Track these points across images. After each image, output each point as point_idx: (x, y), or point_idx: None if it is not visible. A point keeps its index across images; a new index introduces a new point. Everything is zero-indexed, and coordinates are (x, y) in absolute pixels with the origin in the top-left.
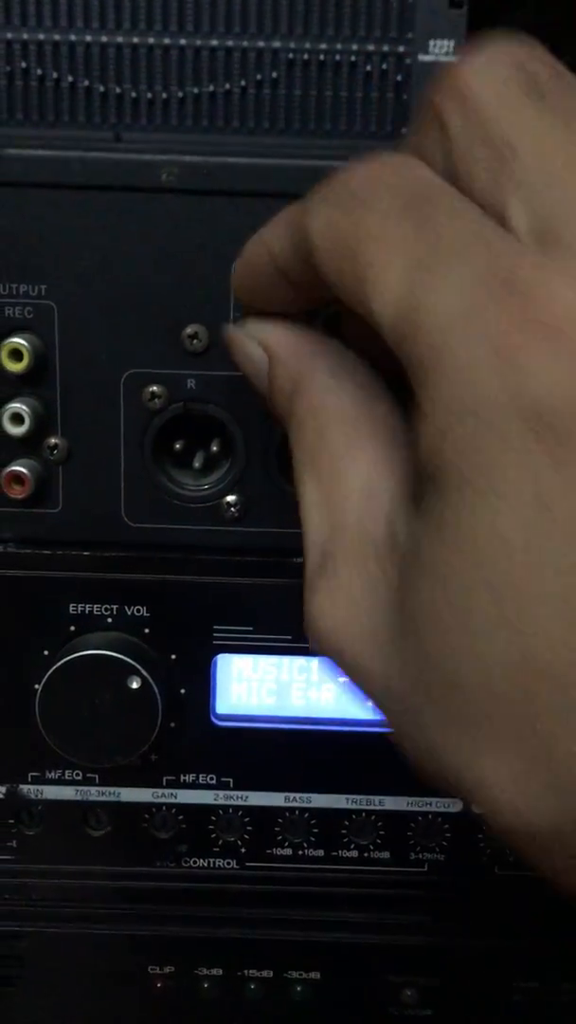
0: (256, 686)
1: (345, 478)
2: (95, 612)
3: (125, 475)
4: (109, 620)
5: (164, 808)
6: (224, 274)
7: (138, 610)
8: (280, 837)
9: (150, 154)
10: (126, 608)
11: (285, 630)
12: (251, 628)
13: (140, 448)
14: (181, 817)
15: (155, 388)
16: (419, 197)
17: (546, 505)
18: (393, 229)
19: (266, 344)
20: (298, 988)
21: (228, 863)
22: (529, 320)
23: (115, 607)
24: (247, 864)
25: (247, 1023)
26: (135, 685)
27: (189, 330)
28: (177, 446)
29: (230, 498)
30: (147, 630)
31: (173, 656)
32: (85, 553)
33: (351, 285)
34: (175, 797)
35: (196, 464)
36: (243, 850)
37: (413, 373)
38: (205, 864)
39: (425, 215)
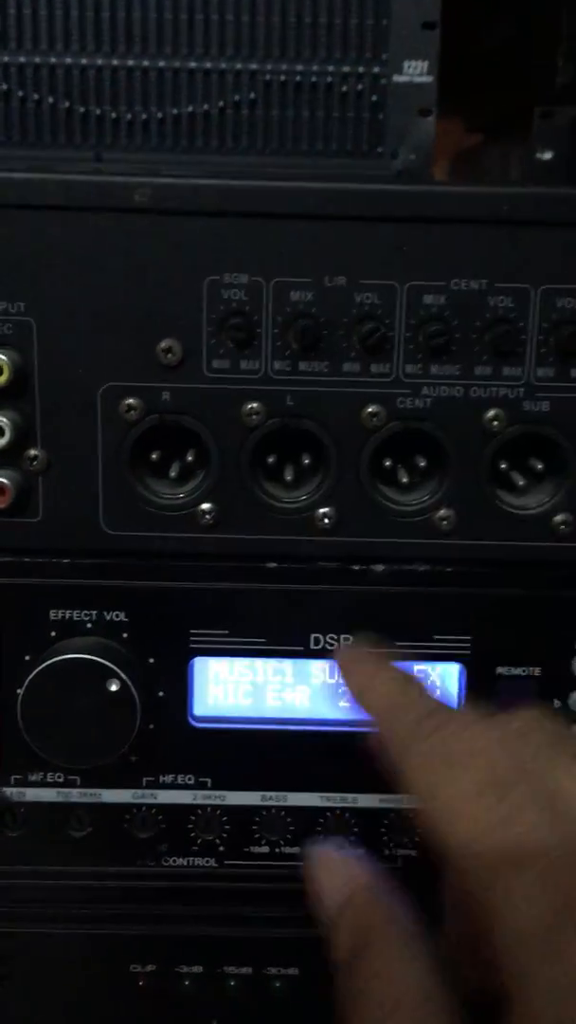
0: (232, 688)
1: None
2: (75, 618)
3: (103, 485)
4: (89, 625)
5: (144, 808)
6: (196, 290)
7: (117, 615)
8: (257, 835)
9: (126, 175)
10: (105, 613)
11: (260, 633)
12: (227, 632)
13: (117, 459)
14: (161, 817)
15: (131, 401)
16: None
17: None
18: None
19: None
20: (277, 984)
21: (207, 862)
22: None
23: (94, 612)
24: (225, 862)
25: (228, 1019)
26: (114, 688)
27: (163, 344)
28: (153, 456)
29: (205, 506)
30: (125, 635)
31: (151, 660)
32: (65, 561)
33: None
34: (155, 798)
35: (172, 473)
36: (221, 849)
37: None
38: (184, 863)
39: None
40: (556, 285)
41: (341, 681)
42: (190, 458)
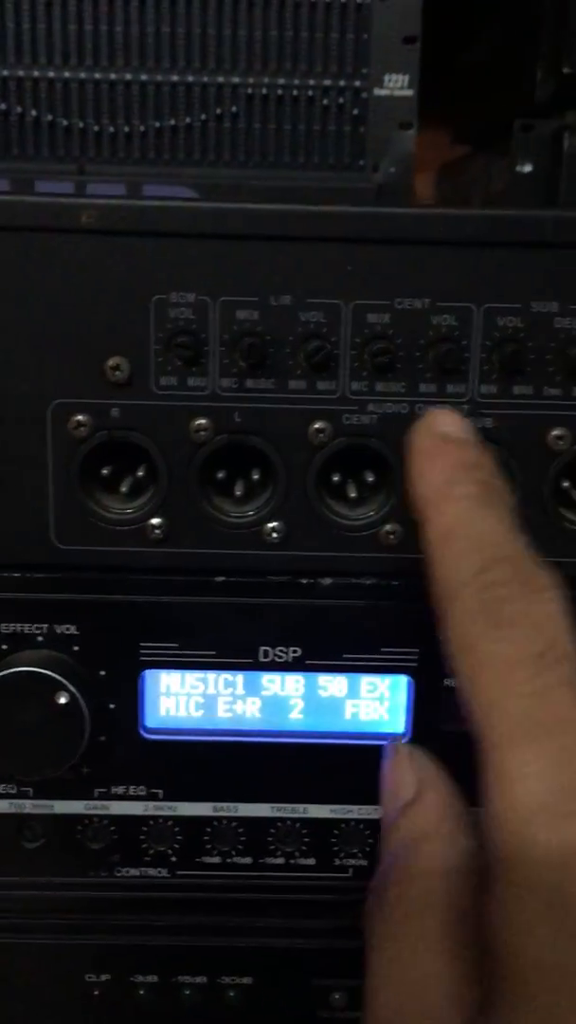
0: (183, 700)
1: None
2: (26, 631)
3: (54, 500)
4: (39, 639)
5: (96, 819)
6: (143, 309)
7: (67, 628)
8: (209, 846)
9: (72, 197)
10: (55, 627)
11: (209, 646)
12: (177, 645)
13: (67, 474)
14: (113, 828)
15: (80, 417)
16: None
17: None
18: None
19: (422, 783)
20: (231, 993)
21: (159, 872)
22: None
23: (45, 626)
24: (178, 872)
25: None
26: (63, 701)
27: (111, 362)
28: (104, 472)
29: (154, 521)
30: (76, 648)
31: (102, 672)
32: (15, 575)
33: None
34: (107, 808)
35: (123, 489)
36: (173, 859)
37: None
38: (137, 873)
39: None
40: (498, 304)
41: (410, 464)
42: (140, 473)
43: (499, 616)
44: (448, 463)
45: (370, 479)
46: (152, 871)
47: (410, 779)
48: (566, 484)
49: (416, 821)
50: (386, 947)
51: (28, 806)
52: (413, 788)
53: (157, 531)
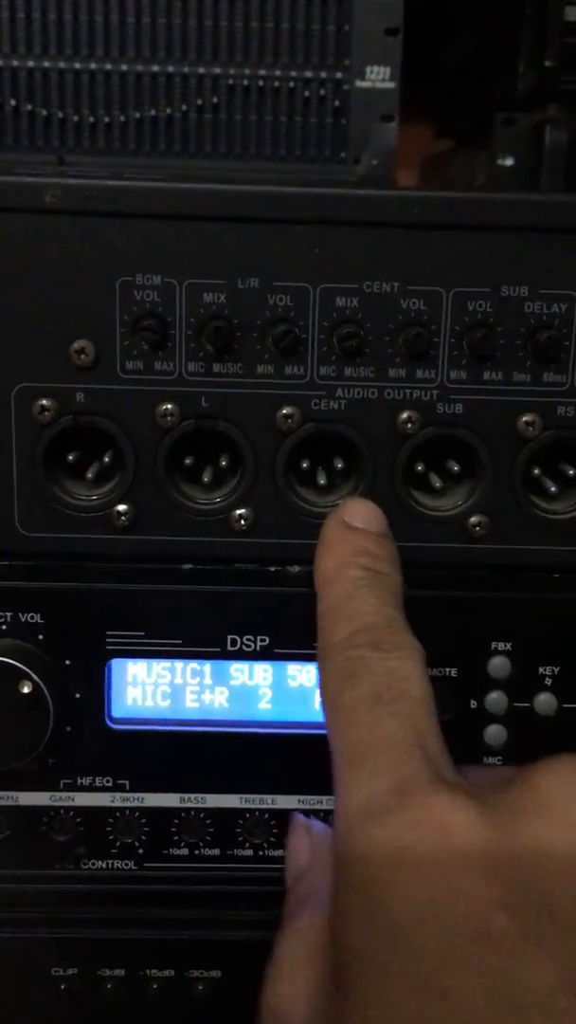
0: (150, 690)
1: None
2: None
3: (18, 486)
4: (4, 627)
5: (62, 811)
6: (109, 291)
7: (32, 617)
8: (176, 837)
9: (36, 176)
10: (20, 615)
11: (176, 635)
12: (143, 633)
13: (32, 460)
14: (79, 820)
15: (45, 402)
16: None
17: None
18: None
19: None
20: (199, 987)
21: (126, 864)
22: None
23: (9, 615)
24: (145, 865)
25: (151, 1023)
26: (26, 690)
27: (76, 346)
28: (70, 458)
29: (120, 507)
30: (41, 636)
31: (67, 662)
32: None
33: None
34: (72, 800)
35: (89, 475)
36: (140, 851)
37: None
38: (104, 866)
39: None
40: (467, 288)
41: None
42: (106, 459)
43: (354, 669)
44: (344, 550)
45: (339, 465)
46: (119, 863)
47: (304, 849)
48: (536, 471)
49: (304, 887)
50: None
51: None
52: (306, 858)
53: (123, 518)
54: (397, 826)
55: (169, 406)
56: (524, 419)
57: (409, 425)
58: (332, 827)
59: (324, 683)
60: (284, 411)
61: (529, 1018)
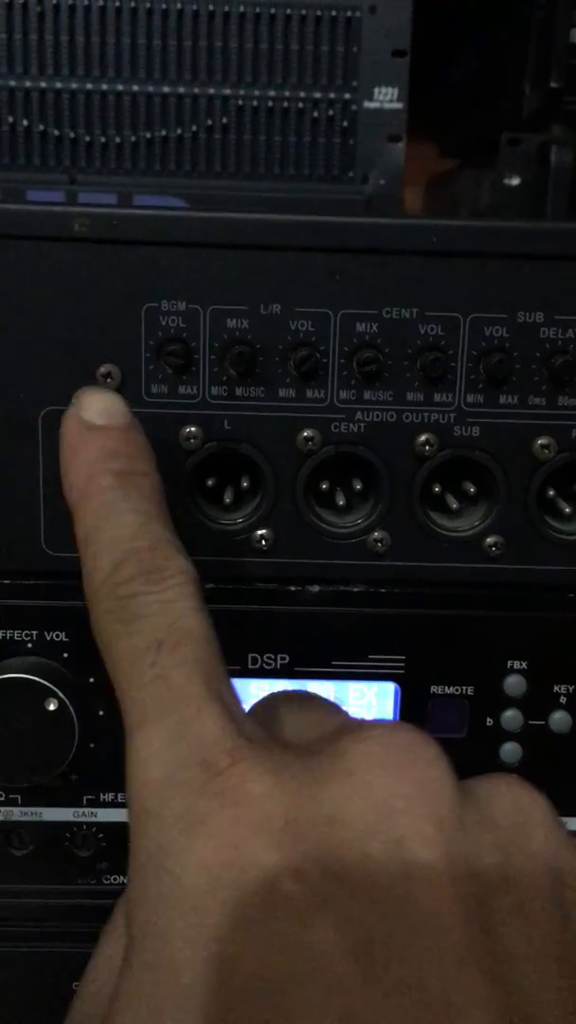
0: None
1: None
2: (15, 638)
3: (45, 506)
4: (29, 645)
5: (85, 827)
6: (135, 317)
7: (57, 635)
8: None
9: (65, 206)
10: (45, 634)
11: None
12: None
13: (57, 481)
14: (101, 835)
15: None
16: None
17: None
18: None
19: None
20: None
21: None
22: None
23: (35, 633)
24: None
25: None
26: (52, 707)
27: (103, 369)
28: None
29: None
30: (66, 654)
31: (91, 679)
32: (6, 581)
33: None
34: (95, 816)
35: None
36: None
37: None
38: (125, 881)
39: None
40: (484, 314)
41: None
42: None
43: (127, 613)
44: (89, 456)
45: (358, 487)
46: None
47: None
48: (551, 493)
49: None
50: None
51: (16, 813)
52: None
53: None
54: (196, 797)
55: (193, 429)
56: (539, 442)
57: (427, 447)
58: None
59: (95, 625)
60: (305, 434)
61: (304, 983)
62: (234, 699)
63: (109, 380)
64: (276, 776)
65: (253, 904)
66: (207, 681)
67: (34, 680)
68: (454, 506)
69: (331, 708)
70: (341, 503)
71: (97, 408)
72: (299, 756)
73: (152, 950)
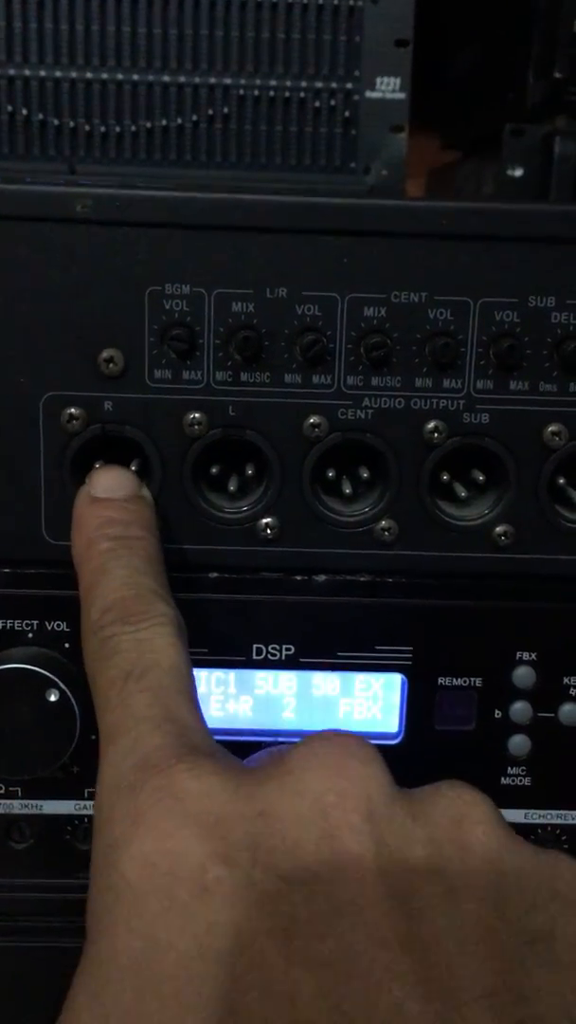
0: None
1: None
2: (16, 628)
3: (46, 494)
4: (30, 635)
5: (86, 820)
6: (138, 301)
7: (58, 625)
8: None
9: (67, 186)
10: (47, 623)
11: (201, 643)
12: None
13: (60, 468)
14: None
15: (73, 410)
16: None
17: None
18: None
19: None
20: None
21: None
22: None
23: (36, 623)
24: None
25: None
26: (53, 698)
27: (105, 355)
28: (97, 466)
29: None
30: (67, 644)
31: None
32: (6, 570)
33: None
34: None
35: None
36: None
37: None
38: None
39: None
40: (495, 298)
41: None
42: (134, 468)
43: (106, 650)
44: (91, 525)
45: (365, 475)
46: None
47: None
48: (562, 481)
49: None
50: None
51: (17, 806)
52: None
53: None
54: (138, 795)
55: (197, 415)
56: (550, 429)
57: (435, 435)
58: None
59: (86, 666)
60: (311, 420)
61: (230, 961)
62: (196, 722)
63: (112, 365)
64: (217, 776)
65: (185, 890)
66: (166, 705)
67: (35, 671)
68: (463, 495)
69: None
70: (348, 491)
71: (103, 484)
72: (248, 766)
73: (98, 940)
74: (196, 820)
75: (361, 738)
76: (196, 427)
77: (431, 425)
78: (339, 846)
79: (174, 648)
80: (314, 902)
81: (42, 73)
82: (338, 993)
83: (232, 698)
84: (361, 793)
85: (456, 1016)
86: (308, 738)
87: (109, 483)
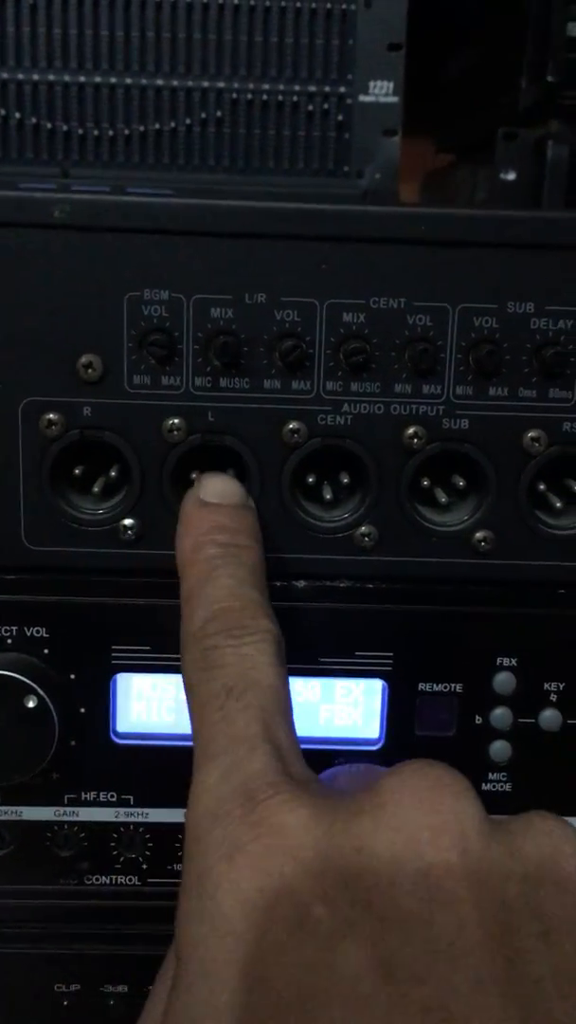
0: (155, 704)
1: None
2: None
3: (24, 500)
4: (9, 641)
5: (66, 826)
6: (117, 307)
7: (37, 631)
8: (181, 853)
9: (45, 191)
10: (25, 629)
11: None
12: (148, 648)
13: (38, 473)
14: (83, 835)
15: (52, 416)
16: None
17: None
18: None
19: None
20: None
21: (130, 880)
22: None
23: (14, 628)
24: (149, 880)
25: None
26: (31, 704)
27: (84, 360)
28: (76, 472)
29: (127, 521)
30: (46, 651)
31: (72, 676)
32: None
33: None
34: (76, 815)
35: (96, 489)
36: (145, 867)
37: None
38: (107, 881)
39: None
40: (473, 304)
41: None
42: (113, 474)
43: (208, 662)
44: (200, 529)
45: (345, 480)
46: (123, 879)
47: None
48: (542, 487)
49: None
50: None
51: None
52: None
53: (129, 532)
54: (236, 827)
55: (176, 420)
56: (530, 435)
57: (415, 440)
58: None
59: (184, 673)
60: (290, 426)
61: (330, 1003)
62: (292, 744)
63: (90, 370)
64: (311, 809)
65: (283, 928)
66: (266, 726)
67: (13, 677)
68: (443, 500)
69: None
70: (328, 497)
71: (213, 489)
72: (338, 794)
73: (194, 972)
74: (294, 857)
75: (452, 770)
76: (175, 433)
77: (411, 431)
78: (435, 884)
79: (274, 668)
80: (413, 944)
81: (35, 77)
82: None
83: None
84: (455, 829)
85: None
86: (399, 767)
87: (220, 488)
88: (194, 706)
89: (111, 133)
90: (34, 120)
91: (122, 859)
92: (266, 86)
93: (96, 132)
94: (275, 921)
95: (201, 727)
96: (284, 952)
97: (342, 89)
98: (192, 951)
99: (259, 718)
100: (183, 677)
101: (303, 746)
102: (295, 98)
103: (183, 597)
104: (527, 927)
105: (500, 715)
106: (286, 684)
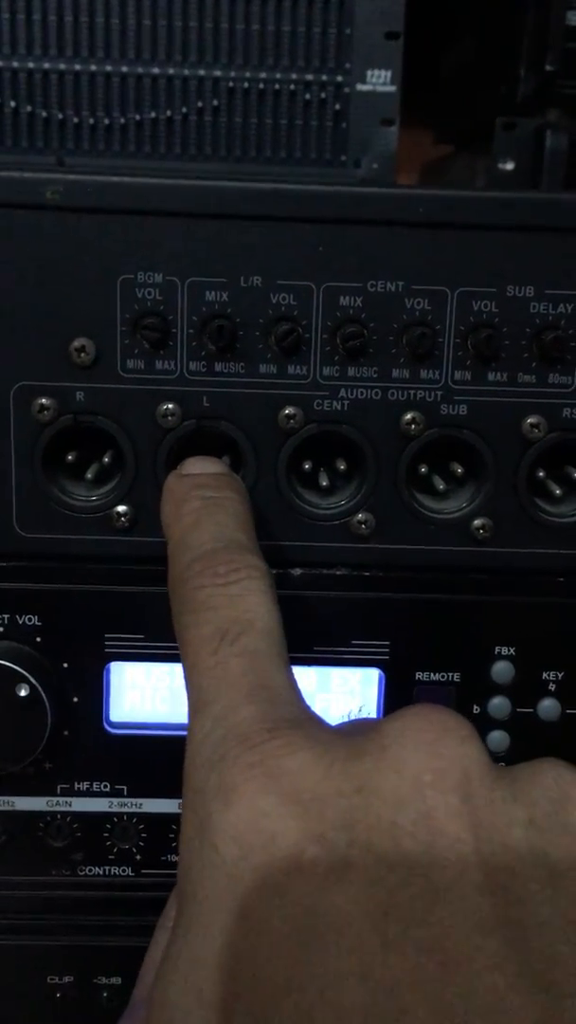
0: (149, 694)
1: None
2: None
3: (16, 486)
4: (1, 629)
5: (59, 816)
6: (109, 289)
7: (30, 619)
8: (175, 843)
9: (37, 171)
10: (17, 617)
11: (175, 638)
12: (142, 636)
13: (31, 460)
14: (76, 825)
15: (44, 401)
16: None
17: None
18: None
19: None
20: None
21: (123, 871)
22: None
23: (6, 616)
24: (143, 871)
25: None
26: (23, 693)
27: (76, 344)
28: (70, 458)
29: (120, 508)
30: (39, 639)
31: (65, 664)
32: None
33: None
34: (69, 805)
35: (89, 476)
36: (138, 857)
37: None
38: (101, 872)
39: None
40: (472, 288)
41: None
42: (107, 460)
43: (195, 603)
44: (182, 489)
45: (342, 467)
46: (116, 870)
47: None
48: (541, 474)
49: None
50: None
51: None
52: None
53: (123, 519)
54: (233, 771)
55: (170, 406)
56: (529, 421)
57: (413, 426)
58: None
59: (173, 617)
60: (286, 411)
61: (325, 944)
62: (289, 685)
63: (83, 354)
64: (310, 751)
65: (280, 869)
66: (261, 670)
67: (5, 665)
68: (441, 487)
69: None
70: (324, 484)
71: (194, 464)
72: (339, 736)
73: (193, 915)
74: (291, 798)
75: (457, 714)
76: (170, 418)
77: (408, 416)
78: (437, 827)
79: (267, 607)
80: (412, 886)
81: (30, 64)
82: (438, 983)
83: None
84: (459, 772)
85: (559, 1011)
86: (402, 711)
87: (202, 464)
88: (186, 652)
89: (107, 122)
90: (30, 108)
91: (115, 850)
92: (263, 75)
93: (92, 121)
94: (273, 863)
95: (193, 674)
96: (282, 893)
97: (339, 78)
98: (191, 895)
99: (254, 663)
100: (174, 623)
101: None
102: (292, 87)
103: (169, 553)
104: (531, 872)
105: (498, 705)
106: (280, 624)
